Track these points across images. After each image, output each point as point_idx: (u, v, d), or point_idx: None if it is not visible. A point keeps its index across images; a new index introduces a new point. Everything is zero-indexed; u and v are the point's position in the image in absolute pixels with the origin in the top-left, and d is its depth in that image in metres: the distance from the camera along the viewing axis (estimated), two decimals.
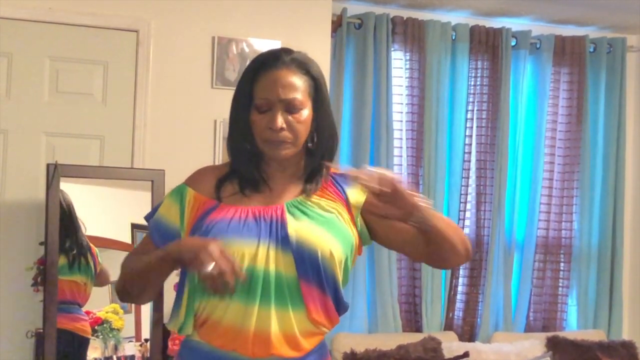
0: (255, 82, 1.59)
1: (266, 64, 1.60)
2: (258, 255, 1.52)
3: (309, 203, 1.60)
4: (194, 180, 1.66)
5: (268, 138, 1.57)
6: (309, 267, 1.52)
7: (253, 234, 1.54)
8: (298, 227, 1.54)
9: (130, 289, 1.67)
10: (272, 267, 1.52)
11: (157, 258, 1.56)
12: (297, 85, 1.58)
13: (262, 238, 1.53)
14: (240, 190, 1.61)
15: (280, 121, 1.56)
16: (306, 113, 1.59)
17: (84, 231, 3.20)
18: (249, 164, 1.62)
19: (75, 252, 3.16)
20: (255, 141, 1.60)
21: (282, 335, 1.52)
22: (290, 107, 1.57)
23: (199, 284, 1.54)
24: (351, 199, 1.63)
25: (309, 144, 1.62)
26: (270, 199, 1.61)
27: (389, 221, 1.60)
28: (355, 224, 1.63)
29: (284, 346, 1.52)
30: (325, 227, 1.56)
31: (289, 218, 1.56)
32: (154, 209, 1.69)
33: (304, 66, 1.61)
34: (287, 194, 1.62)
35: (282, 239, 1.53)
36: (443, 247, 1.59)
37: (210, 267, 1.42)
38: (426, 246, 1.60)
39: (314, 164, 1.63)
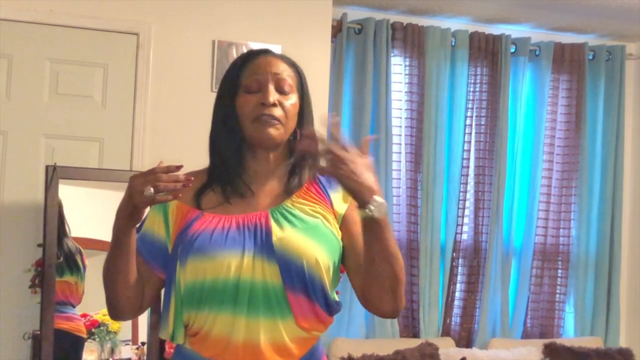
0: (244, 69, 1.59)
1: (254, 55, 1.62)
2: (243, 265, 1.49)
3: (294, 209, 1.57)
4: None
5: (259, 113, 1.55)
6: (295, 276, 1.50)
7: (237, 244, 1.51)
8: (283, 236, 1.51)
9: (110, 292, 1.60)
10: (258, 277, 1.49)
11: (113, 233, 1.56)
12: (287, 71, 1.60)
13: (247, 248, 1.51)
14: (222, 196, 1.58)
15: (273, 95, 1.55)
16: (295, 99, 1.59)
17: (69, 233, 3.21)
18: (234, 161, 1.59)
19: (65, 253, 3.17)
20: (242, 132, 1.57)
21: (272, 345, 1.50)
22: (282, 87, 1.57)
23: (185, 295, 1.52)
24: (335, 205, 1.60)
25: (291, 138, 1.60)
26: (253, 204, 1.58)
27: (353, 241, 1.58)
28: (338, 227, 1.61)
29: (274, 355, 1.50)
30: (311, 234, 1.53)
31: (273, 226, 1.53)
32: (143, 221, 1.65)
33: (290, 61, 1.63)
34: (270, 196, 1.59)
35: (267, 248, 1.51)
36: (382, 274, 1.49)
37: (147, 191, 1.44)
38: (368, 267, 1.51)
39: (296, 161, 1.61)
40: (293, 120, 1.59)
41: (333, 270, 1.56)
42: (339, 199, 1.61)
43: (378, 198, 1.44)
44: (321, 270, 1.51)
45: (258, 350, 1.49)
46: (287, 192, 1.59)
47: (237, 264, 1.49)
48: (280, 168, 1.61)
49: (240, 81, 1.59)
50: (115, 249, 1.56)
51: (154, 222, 1.61)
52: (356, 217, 1.55)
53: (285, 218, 1.55)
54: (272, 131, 1.56)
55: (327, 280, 1.53)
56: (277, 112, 1.56)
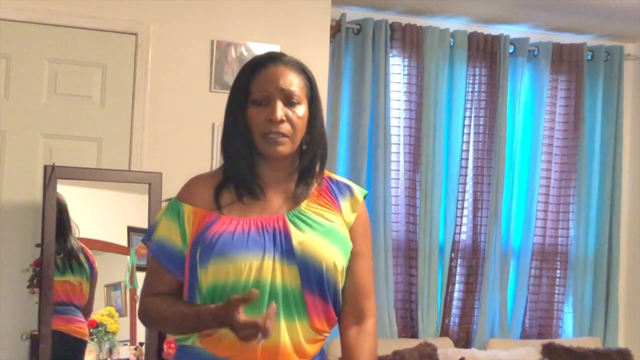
0: (253, 79, 1.60)
1: (264, 63, 1.61)
2: (263, 267, 1.53)
3: (310, 212, 1.60)
4: (188, 194, 1.63)
5: (267, 131, 1.57)
6: (314, 279, 1.55)
7: (258, 246, 1.54)
8: (302, 240, 1.55)
9: (164, 330, 1.67)
10: (278, 279, 1.53)
11: (200, 319, 1.53)
12: (296, 81, 1.60)
13: (267, 250, 1.54)
14: (238, 198, 1.61)
15: (280, 112, 1.56)
16: (303, 109, 1.61)
17: (77, 233, 3.20)
18: (245, 167, 1.61)
19: (68, 252, 3.15)
20: (253, 140, 1.59)
21: (291, 345, 1.54)
22: (290, 100, 1.58)
23: (206, 296, 1.54)
24: (344, 213, 1.64)
25: (303, 146, 1.63)
26: (266, 206, 1.61)
27: (353, 258, 1.63)
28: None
29: (293, 355, 1.54)
30: (329, 238, 1.58)
31: (292, 229, 1.56)
32: (151, 230, 1.66)
33: (300, 66, 1.64)
34: (281, 198, 1.62)
35: (286, 251, 1.54)
36: None
37: (262, 340, 1.46)
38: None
39: (307, 166, 1.64)
40: (302, 131, 1.61)
41: (343, 273, 1.62)
42: (348, 208, 1.65)
43: None
44: (337, 273, 1.58)
45: (277, 350, 1.52)
46: (297, 195, 1.63)
47: (257, 265, 1.52)
48: (291, 172, 1.64)
49: (250, 90, 1.59)
50: (192, 329, 1.57)
51: (170, 231, 1.61)
52: (355, 235, 1.64)
53: (303, 222, 1.59)
54: (281, 149, 1.58)
55: (340, 283, 1.60)
56: (285, 127, 1.57)
